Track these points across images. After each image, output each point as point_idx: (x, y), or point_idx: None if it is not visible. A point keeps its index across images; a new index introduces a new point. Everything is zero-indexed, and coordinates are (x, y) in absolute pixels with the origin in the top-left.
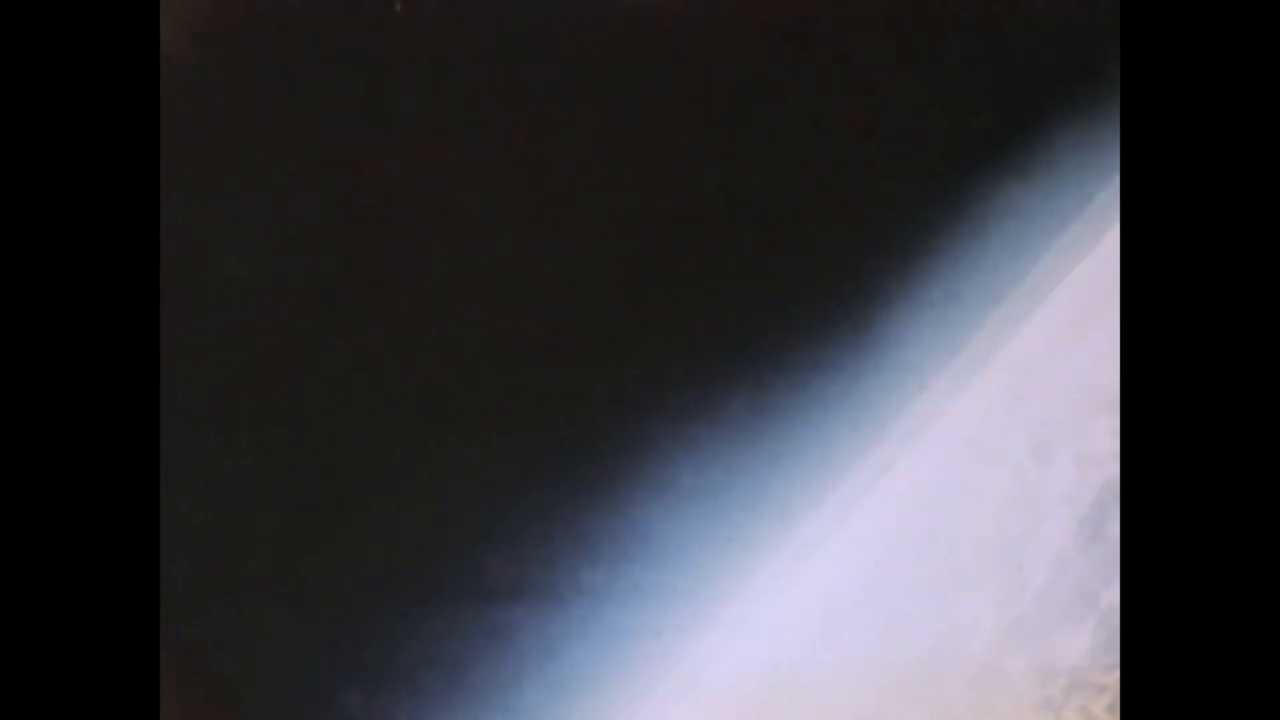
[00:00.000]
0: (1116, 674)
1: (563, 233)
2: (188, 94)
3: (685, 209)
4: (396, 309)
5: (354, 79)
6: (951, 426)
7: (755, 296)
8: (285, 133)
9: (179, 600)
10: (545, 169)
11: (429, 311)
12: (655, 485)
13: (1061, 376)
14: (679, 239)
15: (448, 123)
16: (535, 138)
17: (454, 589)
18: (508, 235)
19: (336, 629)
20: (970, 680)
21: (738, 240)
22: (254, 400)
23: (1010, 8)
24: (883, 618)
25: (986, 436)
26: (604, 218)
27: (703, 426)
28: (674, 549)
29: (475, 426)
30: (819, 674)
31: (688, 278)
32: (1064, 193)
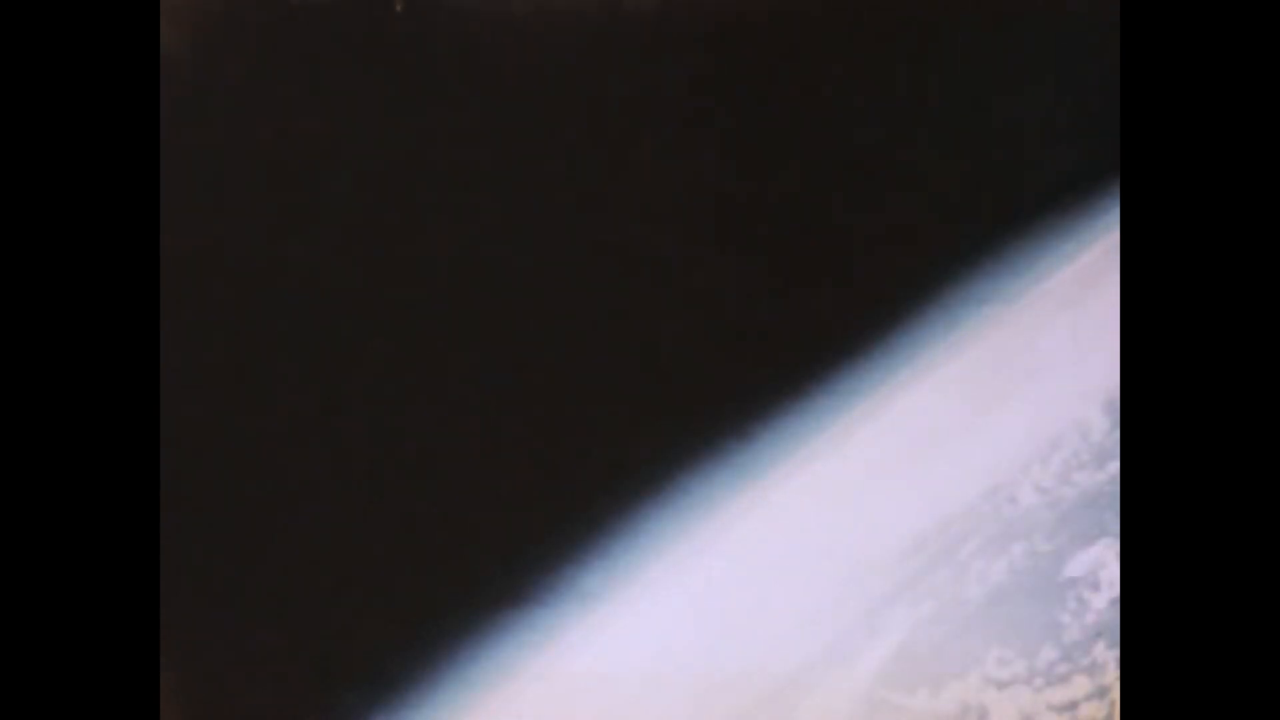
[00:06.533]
0: None
1: (566, 234)
2: (188, 94)
3: (691, 214)
4: (398, 310)
5: (354, 79)
6: (960, 421)
7: (762, 301)
8: (285, 133)
9: (179, 602)
10: (548, 170)
11: (431, 313)
12: (659, 489)
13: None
14: (683, 243)
15: (449, 122)
16: (538, 138)
17: (455, 591)
18: (511, 236)
19: (337, 630)
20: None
21: (745, 246)
22: (255, 401)
23: (1011, 9)
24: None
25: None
26: (609, 218)
27: (708, 428)
28: (678, 552)
29: (477, 429)
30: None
31: (693, 283)
32: (1065, 193)
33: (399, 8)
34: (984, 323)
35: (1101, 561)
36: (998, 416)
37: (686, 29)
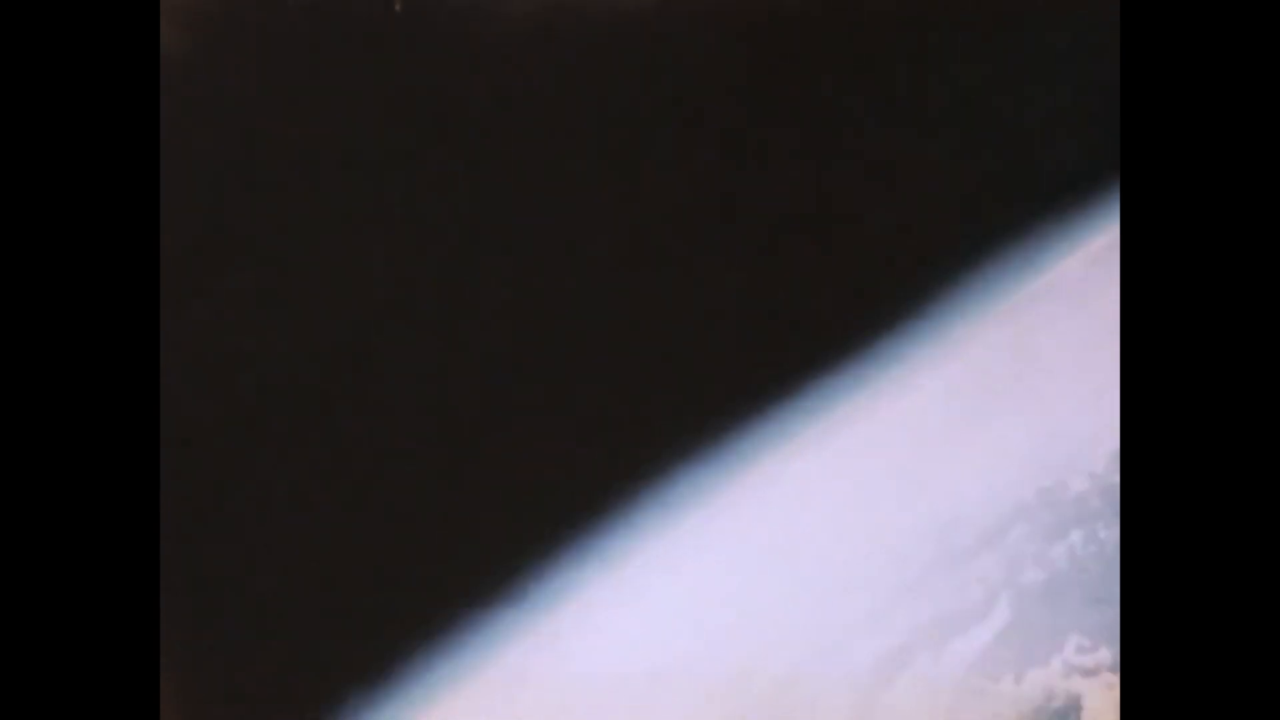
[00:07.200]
0: None
1: (566, 233)
2: (188, 94)
3: (691, 214)
4: (397, 310)
5: (354, 79)
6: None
7: (762, 301)
8: (285, 133)
9: (179, 602)
10: (547, 170)
11: (430, 312)
12: (656, 491)
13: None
14: (683, 243)
15: (449, 122)
16: (537, 139)
17: (454, 591)
18: (510, 236)
19: (337, 630)
20: None
21: (745, 246)
22: (255, 401)
23: (1011, 9)
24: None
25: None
26: (609, 217)
27: (703, 433)
28: (675, 554)
29: (476, 430)
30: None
31: (693, 283)
32: (1065, 194)
33: (399, 8)
34: (984, 322)
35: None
36: (997, 416)
37: (686, 29)
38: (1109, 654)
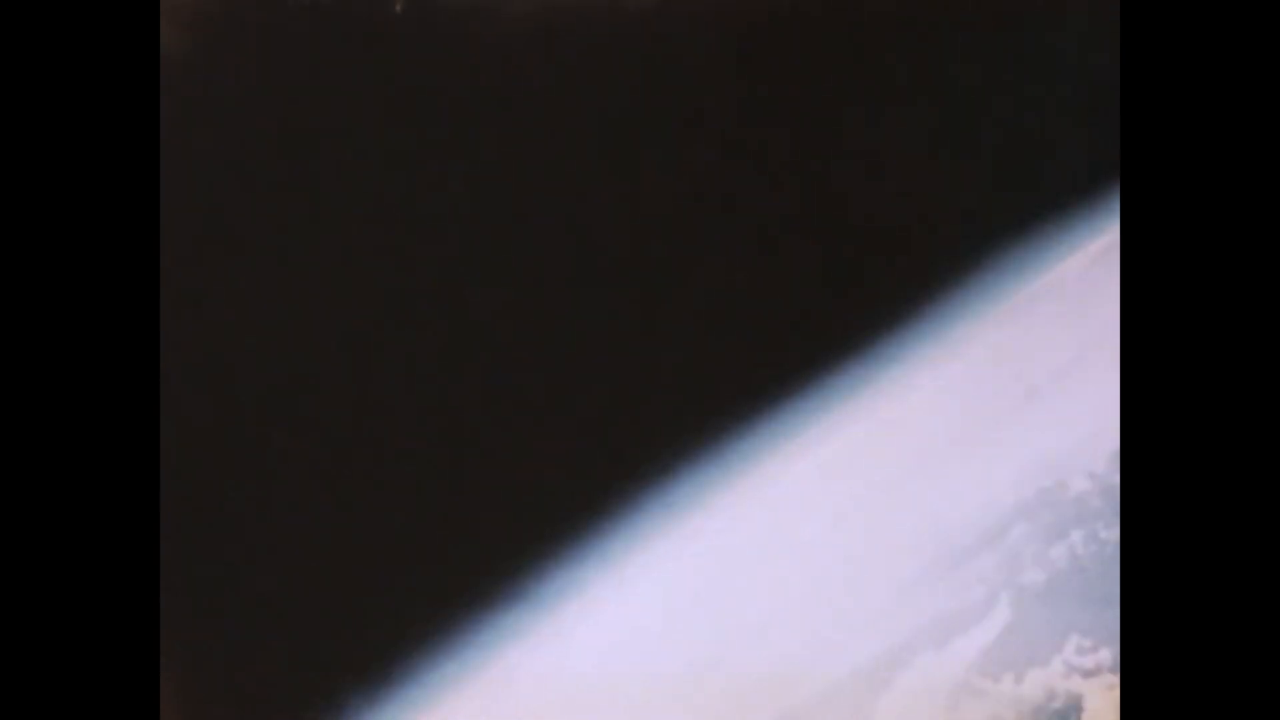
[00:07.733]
0: None
1: (566, 233)
2: (188, 94)
3: (691, 214)
4: (397, 310)
5: (354, 79)
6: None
7: (758, 304)
8: (285, 133)
9: (179, 602)
10: (548, 170)
11: (430, 312)
12: (657, 491)
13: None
14: (683, 243)
15: (449, 122)
16: (537, 139)
17: (454, 591)
18: (509, 236)
19: (337, 630)
20: None
21: (745, 246)
22: (254, 401)
23: (1011, 9)
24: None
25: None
26: (609, 217)
27: (703, 433)
28: (675, 554)
29: (475, 430)
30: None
31: (693, 283)
32: (1065, 193)
33: (399, 8)
34: (984, 322)
35: None
36: (998, 415)
37: (686, 29)
38: (1109, 654)
